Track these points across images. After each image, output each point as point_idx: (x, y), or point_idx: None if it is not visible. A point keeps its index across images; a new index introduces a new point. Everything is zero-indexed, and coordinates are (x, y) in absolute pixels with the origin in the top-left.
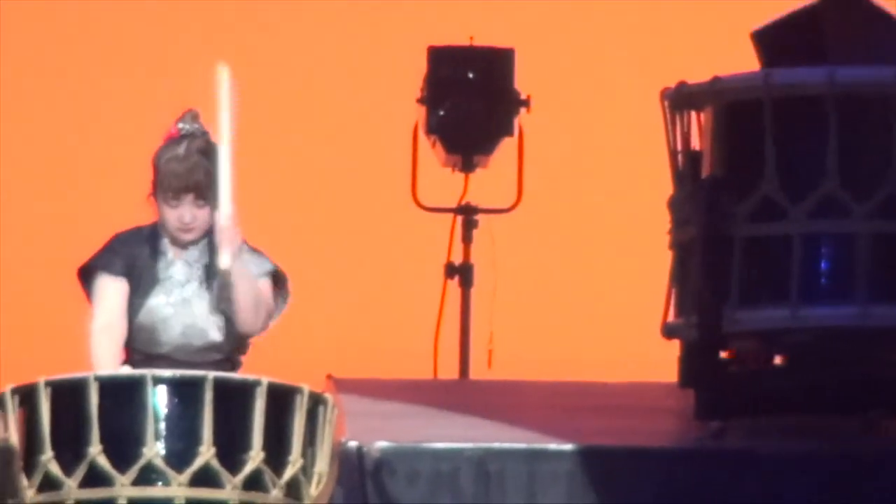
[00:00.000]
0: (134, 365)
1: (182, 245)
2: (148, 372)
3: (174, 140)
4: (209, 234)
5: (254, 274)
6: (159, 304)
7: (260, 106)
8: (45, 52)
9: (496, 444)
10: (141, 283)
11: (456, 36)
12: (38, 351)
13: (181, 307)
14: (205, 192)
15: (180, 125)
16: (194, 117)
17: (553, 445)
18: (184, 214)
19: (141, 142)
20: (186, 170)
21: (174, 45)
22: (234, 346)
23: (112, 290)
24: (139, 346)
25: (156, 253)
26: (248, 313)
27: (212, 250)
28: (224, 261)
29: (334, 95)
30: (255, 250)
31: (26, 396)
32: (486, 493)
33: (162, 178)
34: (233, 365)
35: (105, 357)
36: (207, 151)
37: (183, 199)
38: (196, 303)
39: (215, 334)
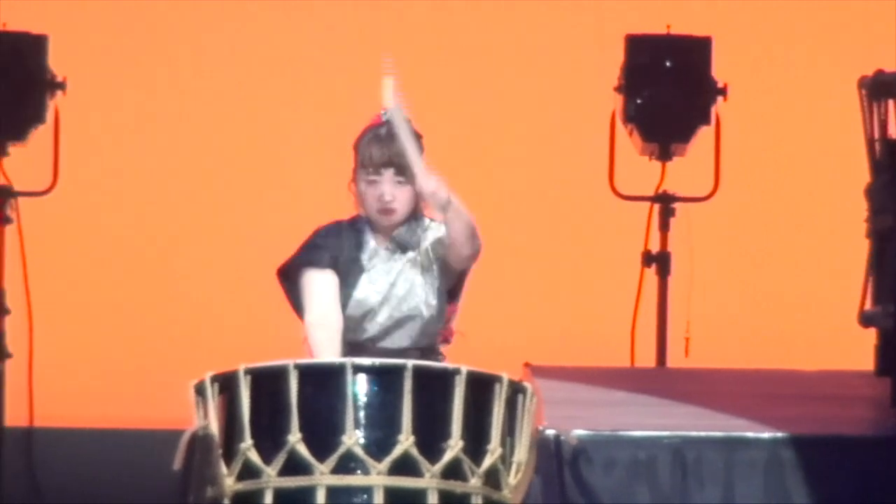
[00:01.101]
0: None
1: (384, 231)
2: (347, 360)
3: (376, 125)
4: (411, 219)
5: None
6: (367, 294)
7: (462, 92)
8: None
9: (693, 433)
10: (347, 275)
11: (653, 24)
12: (237, 338)
13: (390, 293)
14: (405, 169)
15: (383, 112)
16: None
17: (750, 433)
18: (384, 192)
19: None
20: (387, 145)
21: (366, 38)
22: (439, 332)
23: (321, 283)
24: (344, 336)
25: (359, 243)
26: (462, 246)
27: (413, 235)
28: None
29: (532, 84)
30: None
31: (226, 384)
32: (682, 481)
33: (363, 155)
34: (435, 356)
35: (324, 347)
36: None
37: (383, 174)
38: (404, 286)
39: (424, 311)
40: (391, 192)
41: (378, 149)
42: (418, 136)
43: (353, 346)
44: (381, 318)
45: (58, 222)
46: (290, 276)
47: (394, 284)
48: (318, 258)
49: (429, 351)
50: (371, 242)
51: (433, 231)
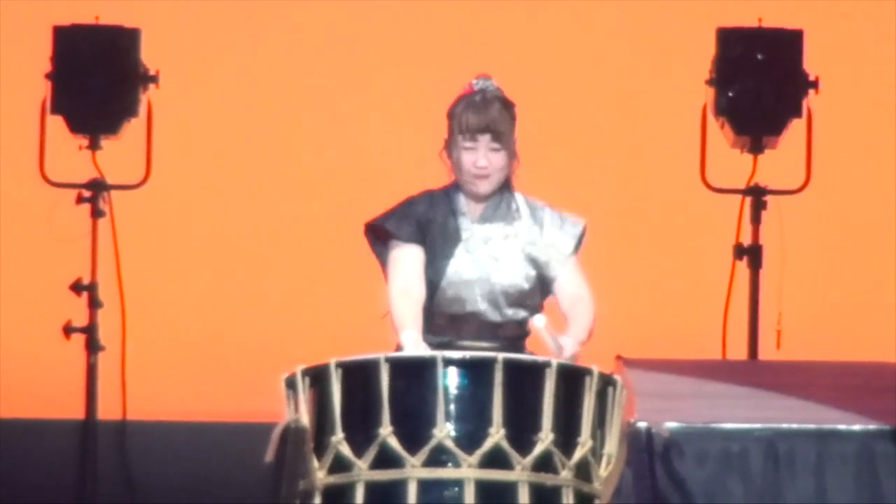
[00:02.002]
0: (438, 328)
1: (478, 198)
2: (438, 353)
3: (470, 93)
4: (504, 188)
5: (561, 251)
6: (465, 263)
7: (555, 86)
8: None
9: (785, 425)
10: (441, 245)
11: (745, 17)
12: (328, 331)
13: (488, 264)
14: (500, 135)
15: (474, 82)
16: (487, 77)
17: (842, 426)
18: (479, 158)
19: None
20: (484, 111)
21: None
22: (542, 295)
23: (405, 256)
24: (444, 309)
25: (455, 211)
26: None
27: (507, 203)
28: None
29: (624, 77)
30: (559, 217)
31: (317, 377)
32: (774, 473)
33: (458, 121)
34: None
35: (406, 317)
36: (504, 102)
37: (479, 140)
38: (503, 258)
39: (524, 284)
40: (486, 157)
41: (475, 115)
42: (511, 105)
43: (454, 318)
44: (481, 290)
45: (151, 215)
46: (375, 233)
47: (494, 257)
48: (402, 231)
49: (524, 325)
50: (467, 211)
51: (542, 218)
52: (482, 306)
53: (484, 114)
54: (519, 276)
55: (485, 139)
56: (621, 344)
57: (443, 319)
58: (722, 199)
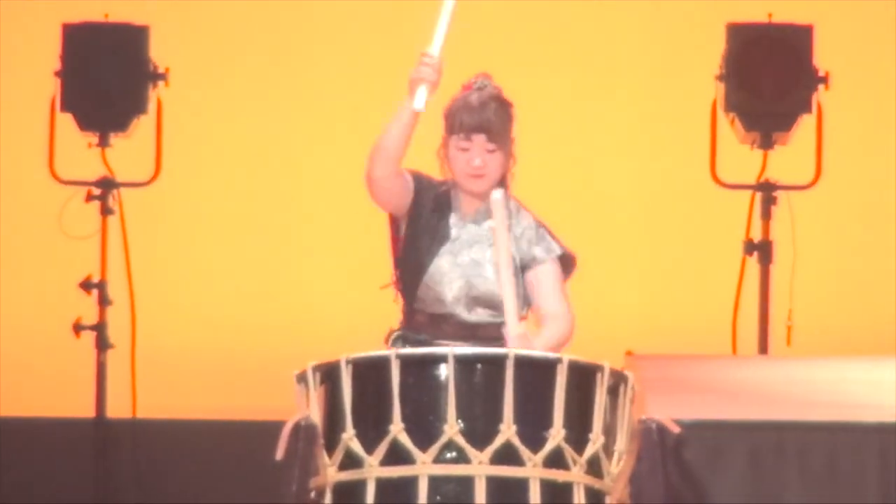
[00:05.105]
0: (418, 325)
1: (474, 196)
2: (449, 350)
3: (467, 91)
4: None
5: (538, 259)
6: (446, 263)
7: (563, 82)
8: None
9: (796, 419)
10: (428, 242)
11: (754, 13)
12: (339, 327)
13: (470, 268)
14: (496, 135)
15: (472, 80)
16: (486, 76)
17: (853, 420)
18: (473, 157)
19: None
20: (479, 110)
21: None
22: (525, 303)
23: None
24: (424, 307)
25: (448, 209)
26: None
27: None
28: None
29: (633, 73)
30: (542, 230)
31: (328, 373)
32: (784, 468)
33: (454, 119)
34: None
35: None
36: (501, 101)
37: (474, 140)
38: (485, 264)
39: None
40: (482, 158)
41: (469, 115)
42: (508, 105)
43: (433, 317)
44: (459, 292)
45: (160, 213)
46: None
47: (477, 262)
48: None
49: (502, 327)
50: (459, 212)
51: (522, 222)
52: (459, 308)
53: (479, 113)
54: (497, 285)
55: (479, 139)
56: (632, 339)
57: (423, 317)
58: (732, 194)
